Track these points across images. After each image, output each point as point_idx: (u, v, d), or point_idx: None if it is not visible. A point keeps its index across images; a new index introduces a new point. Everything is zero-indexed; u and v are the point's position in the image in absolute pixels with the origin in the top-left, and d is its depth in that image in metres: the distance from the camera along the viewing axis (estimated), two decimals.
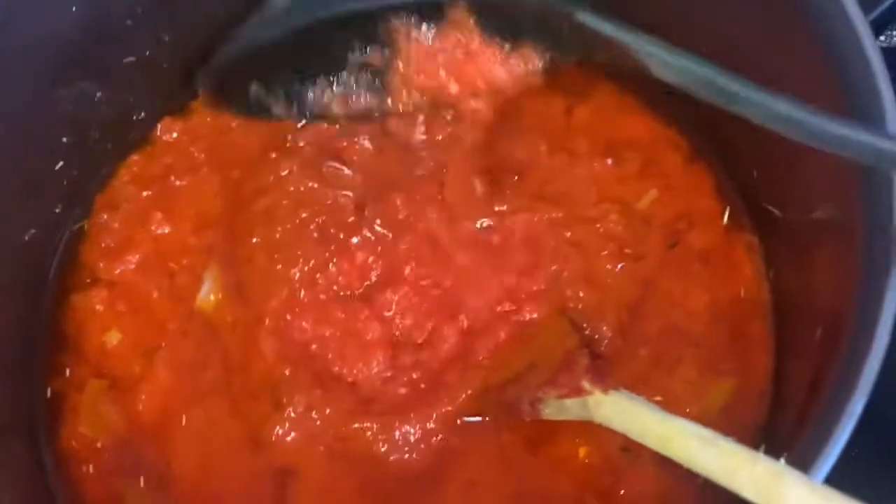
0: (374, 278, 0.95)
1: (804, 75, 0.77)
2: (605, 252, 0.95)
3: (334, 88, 0.96)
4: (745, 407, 0.90)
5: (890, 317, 0.67)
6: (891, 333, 0.67)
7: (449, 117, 0.95)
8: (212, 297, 0.97)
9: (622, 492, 0.87)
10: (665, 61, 0.72)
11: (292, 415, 0.89)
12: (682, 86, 0.72)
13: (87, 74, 0.95)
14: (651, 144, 1.01)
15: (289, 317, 0.93)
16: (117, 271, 0.99)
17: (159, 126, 1.05)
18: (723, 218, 0.98)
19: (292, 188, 0.97)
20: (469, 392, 0.89)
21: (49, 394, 0.96)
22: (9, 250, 0.94)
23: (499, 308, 0.92)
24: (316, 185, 0.97)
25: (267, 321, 0.93)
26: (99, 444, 0.93)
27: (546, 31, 0.85)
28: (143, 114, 1.04)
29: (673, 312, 0.94)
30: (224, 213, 1.00)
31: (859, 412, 0.65)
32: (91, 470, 0.92)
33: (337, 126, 1.00)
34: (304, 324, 0.92)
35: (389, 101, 0.96)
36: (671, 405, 0.85)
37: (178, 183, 1.02)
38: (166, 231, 1.00)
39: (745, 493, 0.63)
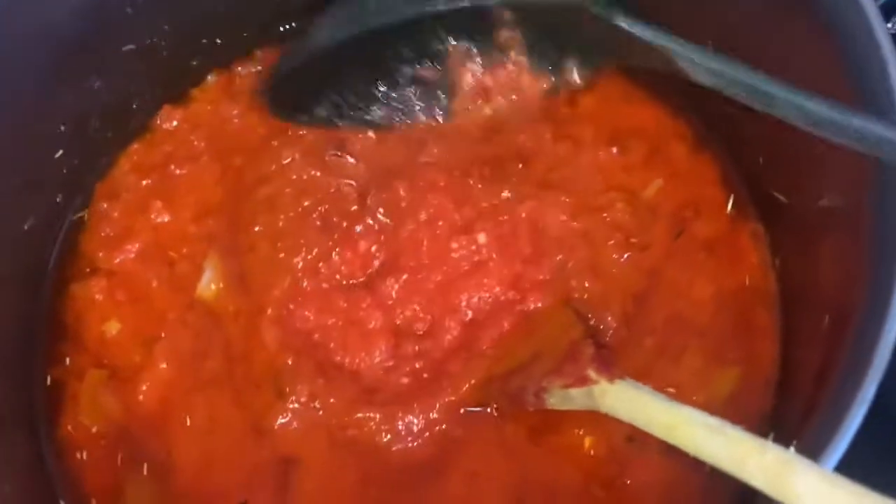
0: (376, 266, 0.94)
1: (812, 62, 0.76)
2: (612, 242, 0.94)
3: (390, 100, 0.97)
4: (751, 396, 0.89)
5: None
6: None
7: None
8: (212, 287, 0.96)
9: (628, 482, 0.86)
10: (706, 66, 0.74)
11: (295, 404, 0.89)
12: (719, 89, 0.73)
13: (87, 63, 0.95)
14: (656, 133, 1.01)
15: (291, 306, 0.92)
16: (117, 260, 0.98)
17: (159, 114, 1.05)
18: (728, 206, 0.97)
19: (295, 176, 0.97)
20: (472, 382, 0.88)
21: (49, 384, 0.95)
22: (8, 240, 0.94)
23: (503, 297, 0.92)
24: (318, 174, 0.97)
25: (269, 310, 0.92)
26: (99, 435, 0.92)
27: (585, 39, 0.86)
28: (142, 102, 1.04)
29: (678, 302, 0.93)
30: (225, 201, 1.00)
31: (870, 399, 0.64)
32: (91, 460, 0.92)
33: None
34: (306, 313, 0.92)
35: (438, 112, 0.98)
36: (677, 394, 0.85)
37: (178, 171, 1.02)
38: (166, 220, 0.99)
39: (754, 482, 0.62)
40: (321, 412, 0.89)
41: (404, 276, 0.92)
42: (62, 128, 0.96)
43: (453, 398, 0.88)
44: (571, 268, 0.93)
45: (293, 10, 1.05)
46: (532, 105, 0.97)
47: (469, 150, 0.98)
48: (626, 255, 0.94)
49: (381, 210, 0.95)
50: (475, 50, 0.93)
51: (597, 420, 0.81)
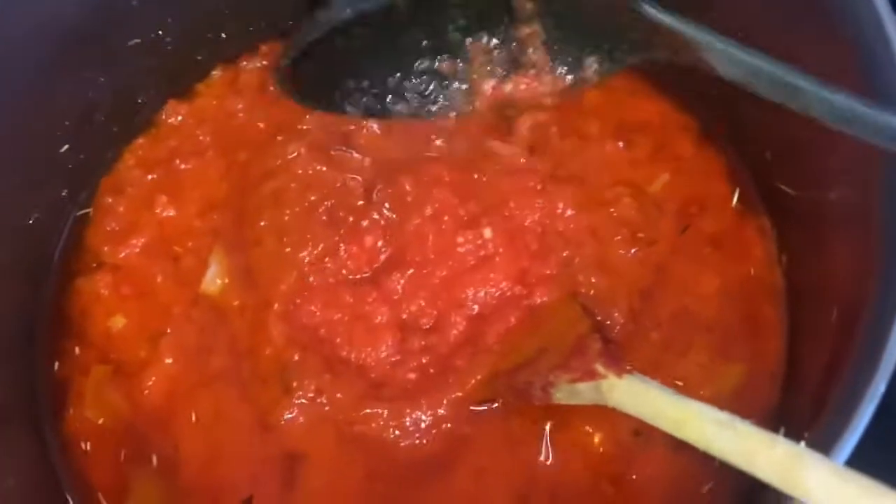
0: (382, 261, 0.94)
1: (823, 55, 0.76)
2: (618, 237, 0.94)
3: (407, 91, 0.96)
4: (758, 390, 0.89)
5: None
6: None
7: None
8: (217, 281, 0.96)
9: (634, 477, 0.86)
10: (735, 58, 0.72)
11: (301, 399, 0.89)
12: (745, 82, 0.71)
13: (92, 57, 0.95)
14: (662, 127, 1.01)
15: (298, 301, 0.92)
16: (122, 255, 0.98)
17: (164, 109, 1.05)
18: (734, 201, 0.97)
19: (300, 171, 0.96)
20: (479, 377, 0.88)
21: (53, 378, 0.95)
22: (13, 234, 0.94)
23: (509, 292, 0.92)
24: (324, 169, 0.97)
25: (276, 305, 0.92)
26: (104, 429, 0.92)
27: (608, 31, 0.84)
28: (147, 97, 1.04)
29: (685, 297, 0.93)
30: (230, 196, 1.00)
31: (881, 393, 0.64)
32: (96, 455, 0.92)
33: None
34: (312, 308, 0.91)
35: (452, 104, 0.96)
36: (683, 389, 0.85)
37: (183, 166, 1.02)
38: (171, 214, 1.00)
39: (764, 477, 0.62)
40: (328, 407, 0.89)
41: (410, 271, 0.92)
42: (67, 123, 0.96)
43: (460, 393, 0.88)
44: (578, 263, 0.93)
45: (298, 5, 1.04)
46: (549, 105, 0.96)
47: (475, 145, 0.98)
48: (632, 251, 0.94)
49: (386, 205, 0.95)
50: (494, 45, 0.92)
51: (603, 415, 0.81)
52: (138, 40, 0.98)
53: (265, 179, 0.97)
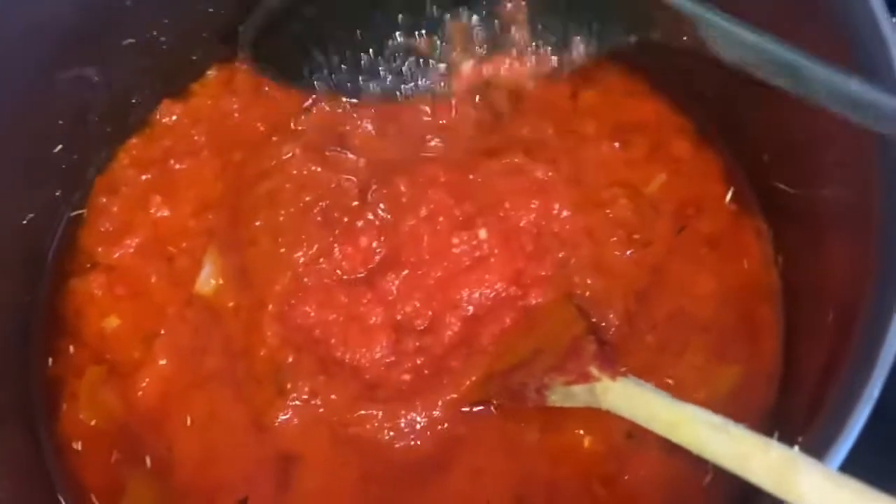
0: (377, 262, 0.94)
1: (817, 54, 0.75)
2: (614, 238, 0.94)
3: (382, 69, 0.92)
4: (754, 391, 0.89)
5: None
6: None
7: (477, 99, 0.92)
8: (212, 282, 0.96)
9: (627, 478, 0.86)
10: (738, 38, 0.68)
11: (296, 401, 0.88)
12: (746, 64, 0.68)
13: (86, 57, 0.94)
14: (659, 128, 1.01)
15: (293, 301, 0.92)
16: (116, 255, 0.98)
17: (159, 109, 1.05)
18: (731, 202, 0.97)
19: (295, 172, 0.96)
20: (473, 378, 0.88)
21: (47, 379, 0.95)
22: (7, 234, 0.93)
23: (504, 293, 0.91)
24: (319, 169, 0.96)
25: (270, 306, 0.92)
26: (98, 430, 0.92)
27: (598, 9, 0.81)
28: (142, 96, 1.04)
29: (681, 298, 0.93)
30: (225, 196, 0.99)
31: (876, 396, 0.64)
32: (90, 456, 0.91)
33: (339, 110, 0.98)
34: (307, 308, 0.91)
35: (429, 84, 0.93)
36: (679, 391, 0.84)
37: (177, 166, 1.01)
38: (166, 214, 0.99)
39: (758, 481, 0.62)
40: (322, 409, 0.88)
41: (405, 272, 0.92)
42: (61, 122, 0.96)
43: (455, 395, 0.88)
44: (574, 264, 0.93)
45: None
46: (533, 91, 0.94)
47: (470, 145, 0.98)
48: (628, 252, 0.94)
49: (381, 205, 0.94)
50: (475, 22, 0.88)
51: (597, 417, 0.81)
52: (133, 40, 0.98)
53: (260, 179, 0.97)
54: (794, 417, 0.79)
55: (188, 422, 0.91)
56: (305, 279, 0.92)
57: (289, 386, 0.89)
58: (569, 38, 0.85)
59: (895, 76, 0.69)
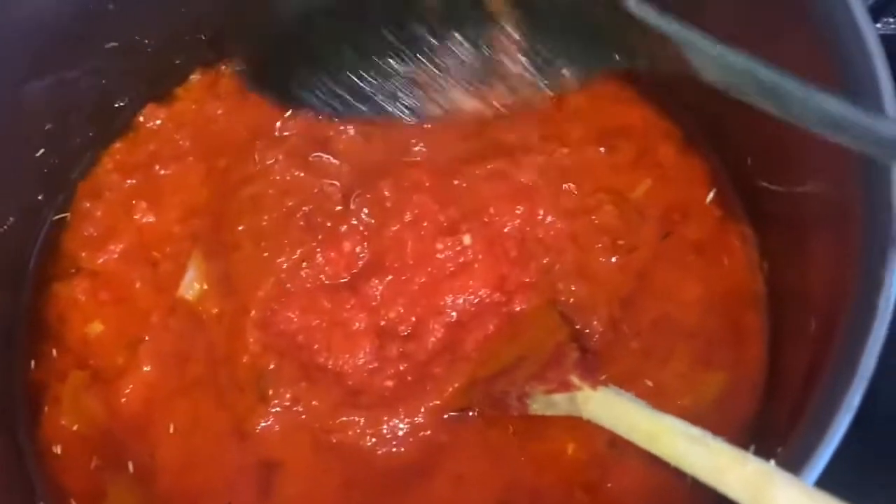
0: (360, 266, 0.93)
1: (800, 62, 0.74)
2: (599, 245, 0.94)
3: (370, 89, 0.90)
4: (738, 399, 0.88)
5: (888, 308, 0.66)
6: (889, 326, 0.66)
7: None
8: (196, 286, 0.95)
9: (609, 485, 0.86)
10: (725, 63, 0.66)
11: (277, 408, 0.88)
12: (729, 87, 0.67)
13: (68, 60, 0.94)
14: (645, 133, 1.00)
15: (275, 306, 0.91)
16: (100, 261, 0.98)
17: (143, 113, 1.04)
18: (717, 208, 0.97)
19: (278, 177, 0.96)
20: (456, 385, 0.88)
21: (30, 384, 0.95)
22: None
23: (488, 299, 0.91)
24: (302, 175, 0.96)
25: (253, 312, 0.91)
26: (80, 436, 0.91)
27: (588, 37, 0.79)
28: (126, 100, 1.03)
29: (666, 304, 0.92)
30: (210, 202, 0.99)
31: (856, 405, 0.63)
32: (72, 462, 0.91)
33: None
34: (290, 314, 0.91)
35: (422, 111, 0.90)
36: (663, 397, 0.85)
37: (162, 172, 1.01)
38: (151, 221, 0.99)
39: (734, 495, 0.61)
40: (304, 415, 0.88)
41: (389, 277, 0.92)
42: (43, 126, 0.95)
43: (438, 402, 0.88)
44: (558, 270, 0.92)
45: None
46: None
47: (455, 150, 0.98)
48: (613, 258, 0.93)
49: (365, 210, 0.94)
50: (468, 51, 0.87)
51: (580, 425, 0.80)
52: (116, 43, 0.97)
53: (243, 185, 0.97)
54: (777, 426, 0.78)
55: (171, 428, 0.90)
56: (288, 284, 0.92)
57: (271, 392, 0.88)
58: (560, 66, 0.84)
59: (879, 89, 0.69)
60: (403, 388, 0.89)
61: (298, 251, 0.93)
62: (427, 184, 0.94)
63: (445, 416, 0.88)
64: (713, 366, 0.90)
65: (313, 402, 0.88)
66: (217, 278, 0.95)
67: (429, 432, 0.88)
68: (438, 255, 0.92)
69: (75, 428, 0.92)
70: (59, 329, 0.96)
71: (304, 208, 0.94)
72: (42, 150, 0.96)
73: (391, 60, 0.87)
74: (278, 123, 1.00)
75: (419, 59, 0.87)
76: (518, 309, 0.91)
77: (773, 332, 0.91)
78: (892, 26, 1.04)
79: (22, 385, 0.95)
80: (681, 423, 0.68)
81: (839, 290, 0.73)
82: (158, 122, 1.04)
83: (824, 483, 0.61)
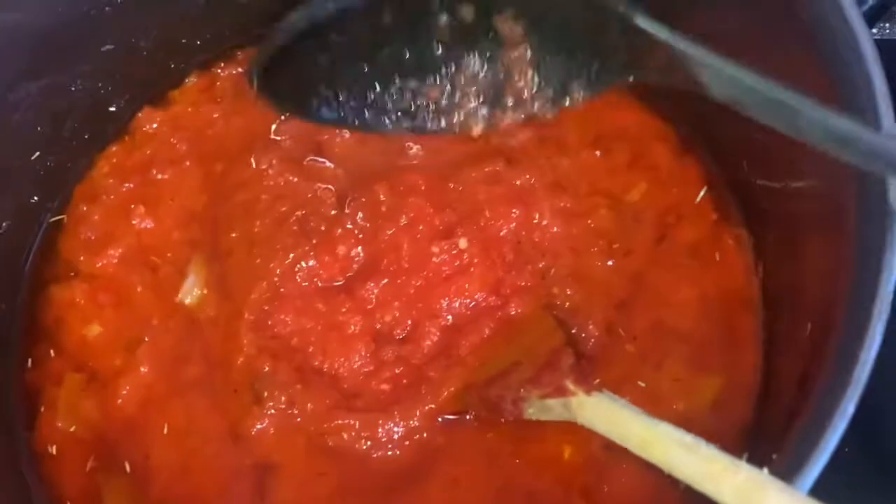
0: (355, 270, 0.93)
1: (796, 68, 0.74)
2: (595, 248, 0.93)
3: (386, 105, 0.89)
4: (733, 403, 0.88)
5: (884, 314, 0.66)
6: (884, 332, 0.65)
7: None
8: (196, 292, 0.95)
9: (605, 489, 0.85)
10: (725, 75, 0.67)
11: (272, 410, 0.88)
12: (736, 103, 0.67)
13: (64, 63, 0.94)
14: (640, 136, 1.00)
15: (267, 308, 0.91)
16: (99, 265, 0.98)
17: (139, 116, 1.04)
18: (711, 211, 0.96)
19: (272, 182, 0.96)
20: (452, 389, 0.88)
21: (26, 387, 0.95)
22: None
23: (483, 303, 0.91)
24: (296, 179, 0.96)
25: (247, 315, 0.91)
26: (76, 439, 0.92)
27: (598, 53, 0.80)
28: (122, 103, 1.03)
29: (661, 308, 0.92)
30: (208, 207, 0.99)
31: (851, 412, 0.63)
32: (68, 465, 0.91)
33: None
34: (284, 317, 0.91)
35: (434, 126, 0.90)
36: (658, 402, 0.85)
37: (160, 176, 1.01)
38: (150, 226, 0.99)
39: (726, 502, 0.61)
40: (299, 418, 0.88)
41: (384, 280, 0.92)
42: (38, 129, 0.95)
43: (433, 405, 0.87)
44: (554, 274, 0.92)
45: (275, 11, 1.03)
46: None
47: (450, 154, 0.98)
48: (609, 262, 0.93)
49: (360, 214, 0.94)
50: (480, 69, 0.86)
51: (576, 428, 0.80)
52: (111, 46, 0.97)
53: (236, 190, 0.97)
54: (772, 431, 0.78)
55: (166, 430, 0.90)
56: (282, 289, 0.92)
57: (265, 395, 0.89)
58: (569, 82, 0.84)
59: (874, 94, 0.69)
60: (399, 392, 0.89)
61: (291, 255, 0.92)
62: (422, 187, 0.94)
63: (441, 420, 0.88)
64: (708, 370, 0.89)
65: (308, 405, 0.88)
66: (216, 283, 0.95)
67: (424, 435, 0.87)
68: (434, 259, 0.92)
69: (71, 430, 0.92)
70: (56, 331, 0.96)
71: (297, 213, 0.94)
72: (37, 153, 0.96)
73: (405, 78, 0.87)
74: (273, 127, 1.00)
75: (432, 77, 0.87)
76: (514, 313, 0.91)
77: (768, 336, 0.91)
78: (888, 31, 1.04)
79: (17, 387, 0.94)
80: (675, 430, 0.69)
81: (835, 294, 0.73)
82: (154, 125, 1.04)
83: (818, 492, 0.61)
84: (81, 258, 0.98)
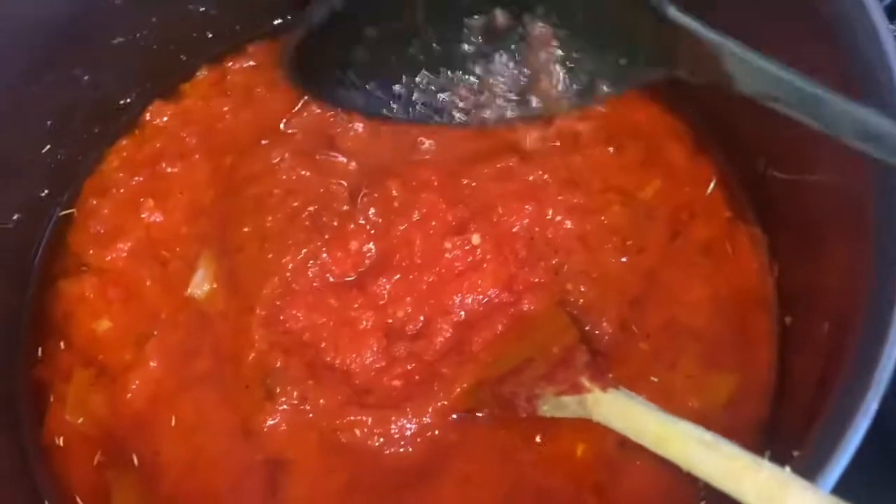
0: (367, 265, 0.93)
1: (816, 62, 0.74)
2: (609, 245, 0.93)
3: (411, 99, 0.89)
4: (749, 402, 0.88)
5: None
6: None
7: None
8: (205, 286, 0.95)
9: (619, 487, 0.85)
10: (756, 68, 0.67)
11: (284, 406, 0.88)
12: (765, 96, 0.67)
13: (74, 56, 0.93)
14: (654, 134, 0.99)
15: (278, 303, 0.91)
16: (108, 258, 0.97)
17: (149, 110, 1.03)
18: (724, 210, 0.96)
19: (284, 177, 0.95)
20: (464, 386, 0.87)
21: (34, 382, 0.94)
22: None
23: (496, 299, 0.91)
24: (308, 174, 0.95)
25: (258, 310, 0.91)
26: (85, 434, 0.91)
27: (626, 49, 0.80)
28: (132, 97, 1.03)
29: (675, 306, 0.92)
30: (217, 201, 0.98)
31: (874, 410, 0.62)
32: (77, 460, 0.91)
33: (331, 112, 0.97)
34: (296, 312, 0.90)
35: (459, 120, 0.90)
36: (672, 400, 0.85)
37: (169, 170, 1.00)
38: (159, 220, 0.98)
39: (748, 501, 0.61)
40: (311, 414, 0.88)
41: (396, 276, 0.91)
42: (48, 122, 0.95)
43: (446, 403, 0.87)
44: (567, 271, 0.92)
45: (285, 4, 1.03)
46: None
47: (463, 149, 0.97)
48: (622, 259, 0.93)
49: (372, 209, 0.94)
50: (508, 64, 0.87)
51: (589, 425, 0.80)
52: (122, 39, 0.96)
53: (248, 184, 0.96)
54: (789, 431, 0.78)
55: (175, 426, 0.90)
56: (294, 284, 0.91)
57: (277, 390, 0.88)
58: (596, 79, 0.84)
59: (895, 88, 0.68)
60: (411, 388, 0.88)
61: (303, 251, 0.92)
62: (435, 183, 0.94)
63: (453, 416, 0.87)
64: (722, 368, 0.89)
65: (320, 401, 0.87)
66: (225, 277, 0.95)
67: (436, 432, 0.87)
68: (447, 255, 0.91)
69: (80, 425, 0.91)
70: (65, 326, 0.96)
71: (309, 208, 0.94)
72: (47, 147, 0.96)
73: (435, 73, 0.88)
74: (284, 120, 1.00)
75: (460, 72, 0.87)
76: (526, 309, 0.90)
77: (783, 335, 0.91)
78: None
79: (26, 382, 0.94)
80: (693, 427, 0.68)
81: (853, 292, 0.72)
82: (165, 119, 1.03)
83: (837, 491, 0.60)
84: (91, 252, 0.98)
